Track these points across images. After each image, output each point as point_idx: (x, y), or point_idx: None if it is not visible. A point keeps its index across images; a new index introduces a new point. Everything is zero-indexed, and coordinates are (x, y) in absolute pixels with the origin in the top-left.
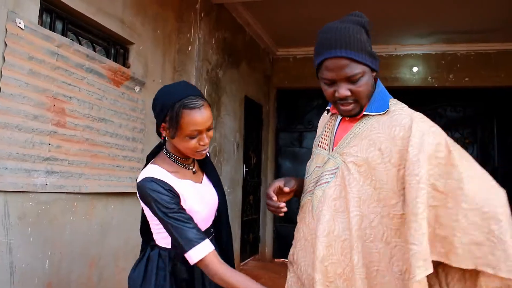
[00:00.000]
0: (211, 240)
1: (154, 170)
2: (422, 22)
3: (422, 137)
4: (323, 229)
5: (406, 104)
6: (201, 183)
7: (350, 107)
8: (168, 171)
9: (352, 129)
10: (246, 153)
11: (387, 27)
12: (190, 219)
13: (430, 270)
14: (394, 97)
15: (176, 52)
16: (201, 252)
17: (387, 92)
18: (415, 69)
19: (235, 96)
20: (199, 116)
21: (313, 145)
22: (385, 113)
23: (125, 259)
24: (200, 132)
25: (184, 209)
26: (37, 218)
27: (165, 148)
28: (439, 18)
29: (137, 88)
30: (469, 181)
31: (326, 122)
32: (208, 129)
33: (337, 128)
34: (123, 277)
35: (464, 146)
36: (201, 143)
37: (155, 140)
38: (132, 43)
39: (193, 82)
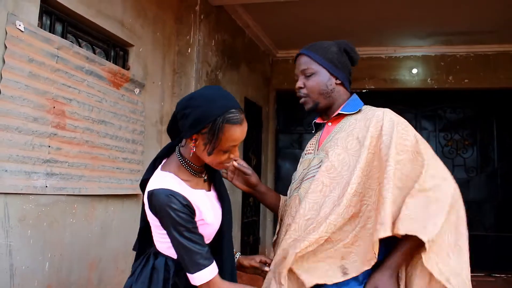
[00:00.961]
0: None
1: (170, 180)
2: (421, 23)
3: (392, 125)
4: (308, 202)
5: (406, 105)
6: (210, 191)
7: (302, 100)
8: (182, 179)
9: (334, 129)
10: (246, 155)
11: (386, 29)
12: (201, 239)
13: (389, 232)
14: (394, 99)
15: (176, 54)
16: (206, 276)
17: (361, 102)
18: (414, 70)
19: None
20: (239, 132)
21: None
22: (358, 112)
23: (125, 261)
24: (235, 146)
25: (197, 227)
26: (37, 220)
27: (180, 153)
28: (438, 19)
29: (137, 90)
30: (428, 168)
31: (313, 129)
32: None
33: (323, 131)
34: (123, 279)
35: (464, 147)
36: (232, 156)
37: (155, 142)
38: (131, 45)
39: (192, 84)
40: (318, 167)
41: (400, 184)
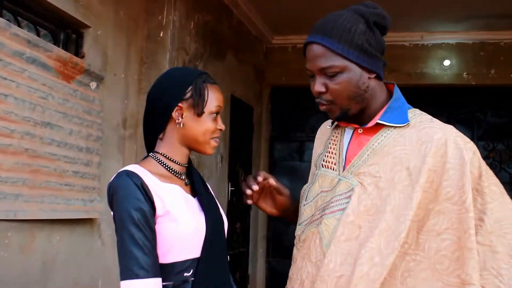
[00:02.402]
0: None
1: (131, 166)
2: (456, 3)
3: (461, 156)
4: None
5: (435, 106)
6: (194, 197)
7: (325, 108)
8: (151, 171)
9: (369, 143)
10: (232, 168)
11: (411, 10)
12: (149, 244)
13: None
14: (420, 98)
15: (145, 39)
16: None
17: (406, 102)
18: (446, 62)
19: None
20: (219, 92)
21: (312, 165)
22: (407, 125)
23: None
24: (218, 112)
25: (149, 225)
26: None
27: (154, 151)
28: None
29: (93, 84)
30: (492, 213)
31: (329, 136)
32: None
33: (348, 143)
34: None
35: (510, 159)
36: (219, 126)
37: (116, 151)
38: (87, 27)
39: None
40: (348, 198)
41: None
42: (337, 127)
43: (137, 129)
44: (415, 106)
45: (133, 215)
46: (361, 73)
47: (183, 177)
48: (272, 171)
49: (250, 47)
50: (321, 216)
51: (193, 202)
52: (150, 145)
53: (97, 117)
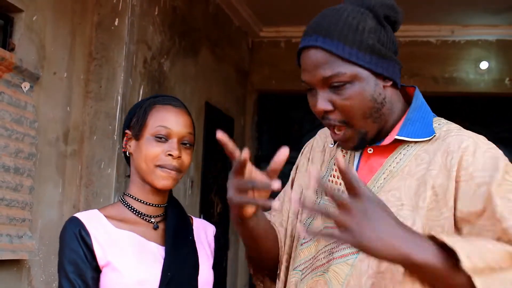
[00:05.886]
0: None
1: (86, 211)
2: None
3: (496, 166)
4: None
5: (469, 120)
6: (163, 246)
7: (341, 133)
8: (109, 216)
9: (385, 164)
10: (205, 197)
11: None
12: None
13: None
14: (450, 110)
15: (94, 28)
16: None
17: (430, 110)
18: (484, 64)
19: (189, 103)
20: (171, 113)
21: (307, 192)
22: (432, 138)
23: None
24: (169, 136)
25: (81, 281)
26: None
27: (124, 192)
28: None
29: (25, 86)
30: None
31: (331, 156)
32: (183, 142)
33: (357, 165)
34: None
35: None
36: (169, 152)
37: (55, 173)
38: (19, 11)
39: (121, 77)
40: None
41: None
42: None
43: (82, 145)
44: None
45: (65, 267)
46: (376, 81)
47: (152, 220)
48: None
49: (231, 41)
50: (328, 261)
51: (154, 251)
52: None
53: (30, 128)
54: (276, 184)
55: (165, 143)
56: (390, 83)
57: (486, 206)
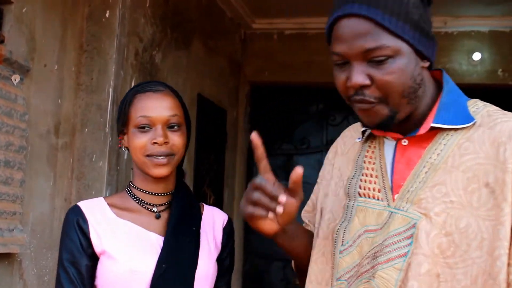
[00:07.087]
0: None
1: (91, 199)
2: None
3: None
4: None
5: None
6: (163, 236)
7: (370, 106)
8: (112, 204)
9: (424, 157)
10: (198, 189)
11: None
12: (72, 286)
13: None
14: None
15: (85, 20)
16: None
17: (461, 92)
18: (476, 55)
19: (182, 95)
20: (151, 99)
21: (336, 192)
22: (472, 124)
23: None
24: (152, 124)
25: (76, 270)
26: None
27: (130, 181)
28: None
29: (16, 78)
30: None
31: (359, 152)
32: (170, 125)
33: (392, 161)
34: None
35: None
36: (153, 140)
37: (46, 166)
38: (9, 2)
39: (113, 69)
40: (410, 238)
41: None
42: (369, 139)
43: (73, 137)
44: None
45: (62, 255)
46: (416, 59)
47: (155, 209)
48: None
49: (224, 33)
50: (373, 267)
51: (153, 241)
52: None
53: (20, 121)
54: (282, 198)
55: (149, 131)
56: (427, 64)
57: None
